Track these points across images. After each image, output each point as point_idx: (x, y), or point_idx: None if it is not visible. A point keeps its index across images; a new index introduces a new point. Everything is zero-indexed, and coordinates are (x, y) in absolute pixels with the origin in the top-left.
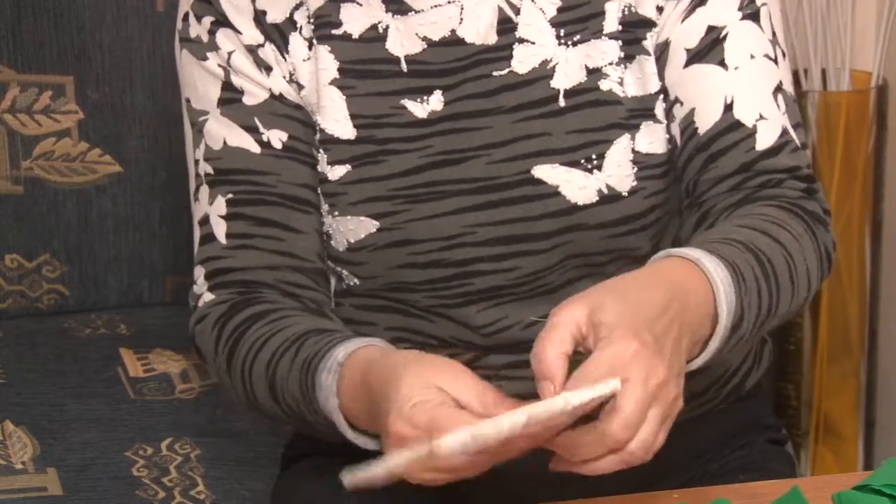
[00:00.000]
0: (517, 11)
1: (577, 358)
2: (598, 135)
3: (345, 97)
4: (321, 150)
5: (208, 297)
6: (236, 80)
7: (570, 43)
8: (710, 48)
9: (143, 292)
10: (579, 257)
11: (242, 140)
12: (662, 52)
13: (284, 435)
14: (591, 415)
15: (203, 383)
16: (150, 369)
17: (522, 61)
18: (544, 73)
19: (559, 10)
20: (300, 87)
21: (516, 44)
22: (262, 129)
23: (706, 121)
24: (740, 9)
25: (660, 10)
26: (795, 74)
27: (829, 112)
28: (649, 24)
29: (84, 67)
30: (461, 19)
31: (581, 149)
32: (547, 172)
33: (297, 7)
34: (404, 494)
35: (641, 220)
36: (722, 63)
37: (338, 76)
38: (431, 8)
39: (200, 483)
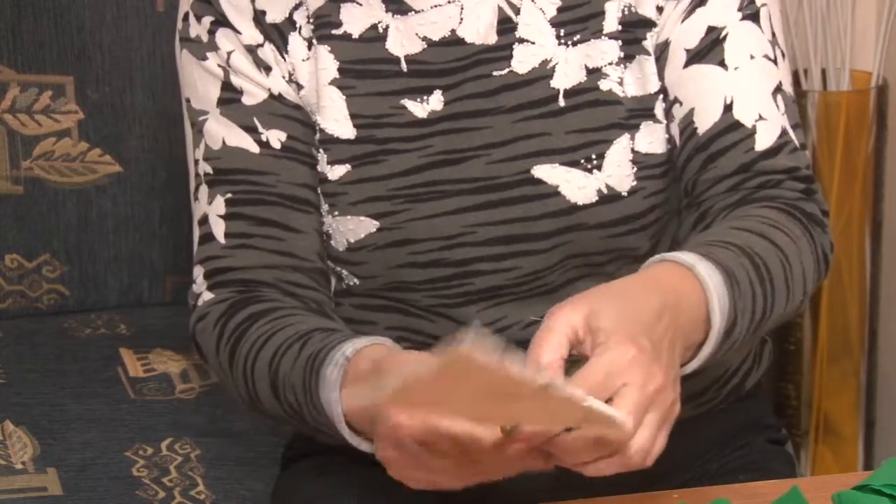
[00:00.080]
0: (517, 11)
1: (573, 359)
2: (598, 135)
3: (345, 97)
4: (321, 150)
5: (208, 296)
6: (236, 80)
7: (569, 43)
8: (709, 48)
9: (143, 292)
10: (579, 257)
11: (242, 140)
12: (662, 52)
13: (284, 435)
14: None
15: (203, 383)
16: (150, 369)
17: (522, 61)
18: (544, 72)
19: (559, 9)
20: (299, 87)
21: (516, 44)
22: (261, 129)
23: (705, 121)
24: (740, 9)
25: (660, 10)
26: (795, 74)
27: (829, 112)
28: (649, 24)
29: (84, 67)
30: (461, 19)
31: (581, 149)
32: (547, 172)
33: (296, 7)
34: (404, 495)
35: (641, 219)
36: (722, 63)
37: (337, 76)
38: (431, 8)
39: (200, 483)
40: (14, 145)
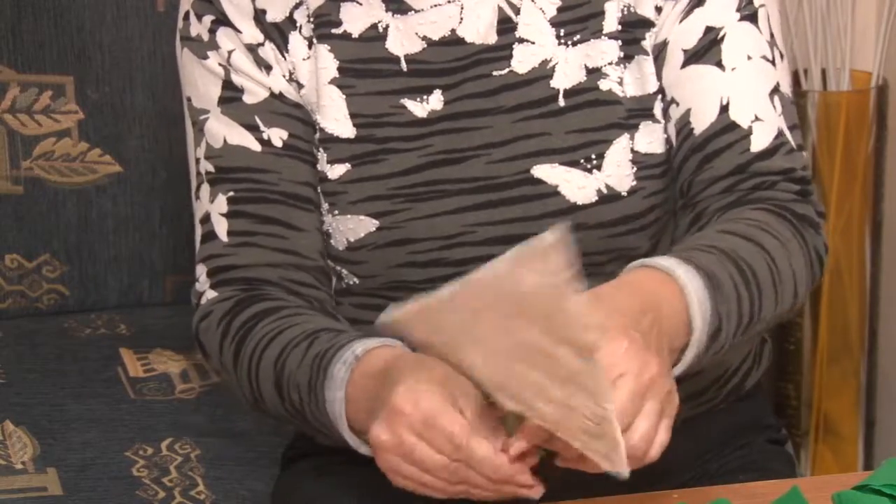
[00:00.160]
0: (517, 11)
1: None
2: (598, 134)
3: (344, 96)
4: (321, 149)
5: (211, 294)
6: (236, 79)
7: (569, 43)
8: (707, 49)
9: (143, 292)
10: (579, 257)
11: (243, 138)
12: (660, 52)
13: (285, 435)
14: None
15: (203, 383)
16: (150, 369)
17: (522, 61)
18: (544, 72)
19: (559, 9)
20: (300, 86)
21: (516, 43)
22: (262, 128)
23: (702, 121)
24: (738, 10)
25: (658, 10)
26: (795, 74)
27: (829, 112)
28: (648, 24)
29: (84, 67)
30: (461, 19)
31: (580, 148)
32: (546, 172)
33: (296, 6)
34: (404, 495)
35: (641, 219)
36: (719, 64)
37: (337, 75)
38: (431, 7)
39: (200, 483)
40: (14, 145)
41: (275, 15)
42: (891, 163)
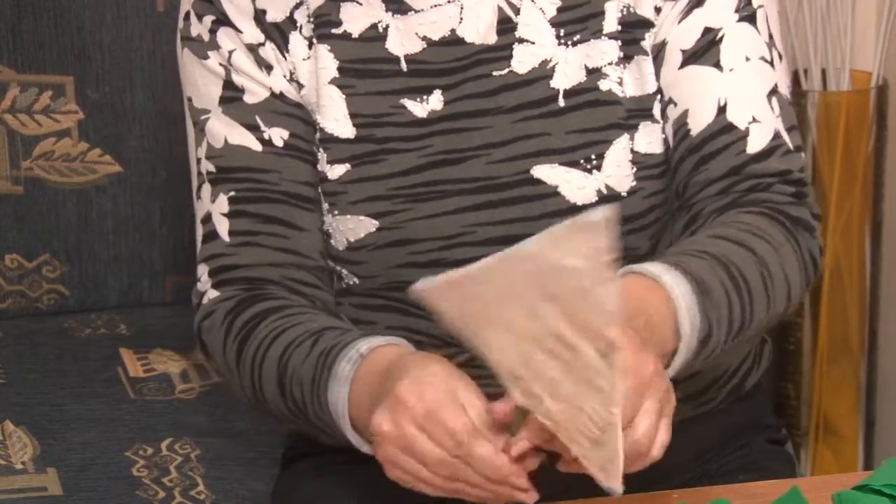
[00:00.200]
0: (517, 11)
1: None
2: (598, 135)
3: (344, 96)
4: (321, 149)
5: (213, 294)
6: (237, 79)
7: (569, 43)
8: (705, 49)
9: (143, 292)
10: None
11: (244, 138)
12: (659, 52)
13: (284, 435)
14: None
15: (203, 383)
16: (150, 369)
17: (522, 61)
18: (544, 72)
19: (559, 9)
20: (300, 85)
21: (516, 44)
22: (263, 128)
23: (699, 122)
24: (737, 11)
25: (658, 10)
26: (795, 74)
27: (829, 112)
28: (647, 24)
29: (84, 67)
30: (461, 19)
31: (580, 149)
32: (546, 172)
33: (297, 6)
34: (404, 495)
35: (640, 220)
36: (717, 65)
37: (337, 75)
38: (431, 7)
39: (200, 483)
40: (14, 145)
41: (275, 15)
42: (891, 163)
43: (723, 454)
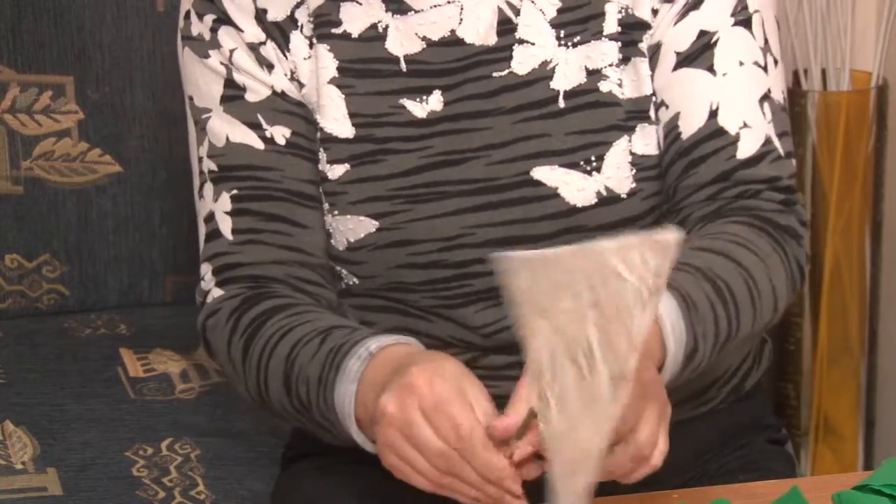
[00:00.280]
0: (517, 12)
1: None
2: (598, 136)
3: (344, 96)
4: (321, 149)
5: (217, 292)
6: (238, 78)
7: (570, 44)
8: (699, 53)
9: (143, 292)
10: None
11: (246, 136)
12: (654, 54)
13: (284, 435)
14: None
15: (203, 383)
16: (150, 369)
17: (522, 62)
18: (544, 74)
19: (559, 11)
20: (301, 85)
21: (516, 45)
22: (265, 126)
23: (690, 126)
24: (733, 15)
25: (655, 12)
26: (795, 74)
27: (829, 112)
28: (645, 26)
29: (84, 67)
30: (461, 19)
31: (580, 150)
32: (546, 174)
33: (297, 5)
34: (405, 495)
35: (640, 221)
36: (710, 68)
37: (337, 75)
38: (431, 8)
39: (200, 483)
40: (14, 145)
41: (276, 14)
42: (891, 163)
43: (723, 454)
